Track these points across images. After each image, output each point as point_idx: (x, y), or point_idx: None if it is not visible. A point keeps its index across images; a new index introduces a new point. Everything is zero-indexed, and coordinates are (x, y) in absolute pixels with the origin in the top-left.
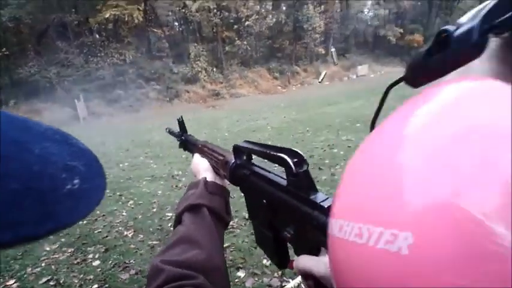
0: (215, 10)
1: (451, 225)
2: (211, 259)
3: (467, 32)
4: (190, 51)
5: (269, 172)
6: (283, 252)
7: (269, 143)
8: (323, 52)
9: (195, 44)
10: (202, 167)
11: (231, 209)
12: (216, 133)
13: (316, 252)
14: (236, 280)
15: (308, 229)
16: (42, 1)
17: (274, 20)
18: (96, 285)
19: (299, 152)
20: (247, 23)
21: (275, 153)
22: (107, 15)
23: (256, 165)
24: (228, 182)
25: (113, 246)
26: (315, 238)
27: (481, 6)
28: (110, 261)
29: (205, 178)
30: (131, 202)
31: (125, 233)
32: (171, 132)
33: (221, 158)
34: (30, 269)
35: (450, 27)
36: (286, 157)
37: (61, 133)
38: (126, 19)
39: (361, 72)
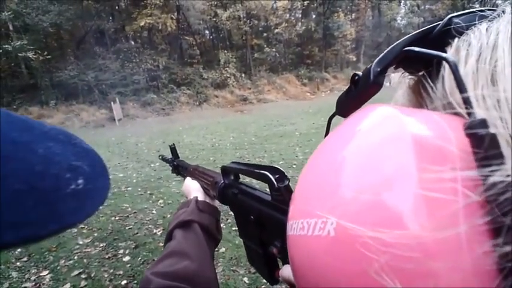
0: (245, 19)
1: (366, 210)
2: (202, 271)
3: (367, 74)
4: (220, 57)
5: (255, 189)
6: (273, 268)
7: (297, 149)
8: (354, 59)
9: (225, 51)
10: (193, 188)
11: (221, 227)
12: (243, 137)
13: None
14: (263, 286)
15: None
16: (81, 9)
17: (303, 27)
18: (125, 281)
19: (280, 168)
20: (276, 30)
21: (258, 171)
22: (142, 24)
23: (243, 184)
24: (219, 203)
25: (143, 243)
26: None
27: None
28: (139, 258)
29: (197, 197)
30: (161, 201)
31: (154, 230)
32: (163, 159)
33: (211, 179)
34: (63, 261)
35: (359, 72)
36: (268, 174)
37: (65, 133)
38: (160, 27)
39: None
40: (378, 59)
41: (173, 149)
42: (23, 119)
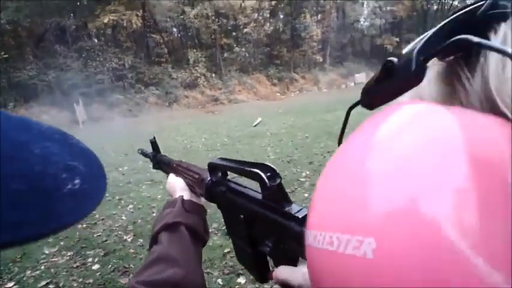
0: (213, 17)
1: (409, 230)
2: (190, 276)
3: (407, 63)
4: (189, 57)
5: (244, 187)
6: (263, 266)
7: (268, 149)
8: (321, 60)
9: (194, 50)
10: (178, 186)
11: (208, 227)
12: (215, 138)
13: (293, 263)
14: (237, 287)
15: (285, 240)
16: (40, 5)
17: (272, 27)
18: None
19: (272, 166)
20: (245, 30)
21: (249, 169)
22: (106, 20)
23: (231, 182)
24: (205, 200)
25: (113, 250)
26: (292, 248)
27: (421, 37)
28: (110, 266)
29: (182, 197)
30: (131, 206)
31: (125, 237)
32: (143, 153)
33: (197, 176)
34: (29, 271)
35: (394, 59)
36: (259, 172)
37: (61, 133)
38: (125, 24)
39: (358, 80)
40: (420, 45)
41: (154, 143)
42: (20, 119)
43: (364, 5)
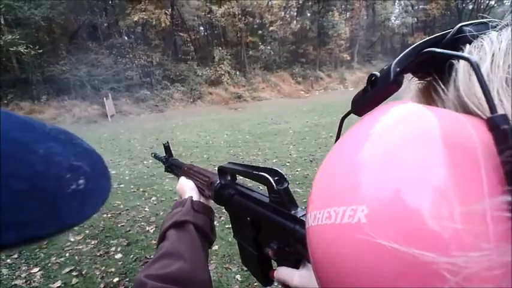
0: (240, 16)
1: (394, 198)
2: (196, 272)
3: (386, 73)
4: (215, 54)
5: (252, 191)
6: (267, 269)
7: (291, 147)
8: (348, 58)
9: (220, 48)
10: (188, 187)
11: (215, 228)
12: (237, 135)
13: (296, 265)
14: (255, 283)
15: (289, 243)
16: (74, 3)
17: (298, 26)
18: (117, 278)
19: (279, 170)
20: (271, 28)
21: (257, 173)
22: (136, 19)
23: (240, 185)
24: (213, 203)
25: (135, 241)
26: (297, 251)
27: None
28: (132, 255)
29: (191, 197)
30: (154, 198)
31: (147, 228)
32: (156, 157)
33: (206, 179)
34: (54, 258)
35: (377, 73)
36: (267, 176)
37: (65, 133)
38: (154, 23)
39: None
40: (397, 59)
41: (167, 147)
42: (23, 119)
43: (396, 3)
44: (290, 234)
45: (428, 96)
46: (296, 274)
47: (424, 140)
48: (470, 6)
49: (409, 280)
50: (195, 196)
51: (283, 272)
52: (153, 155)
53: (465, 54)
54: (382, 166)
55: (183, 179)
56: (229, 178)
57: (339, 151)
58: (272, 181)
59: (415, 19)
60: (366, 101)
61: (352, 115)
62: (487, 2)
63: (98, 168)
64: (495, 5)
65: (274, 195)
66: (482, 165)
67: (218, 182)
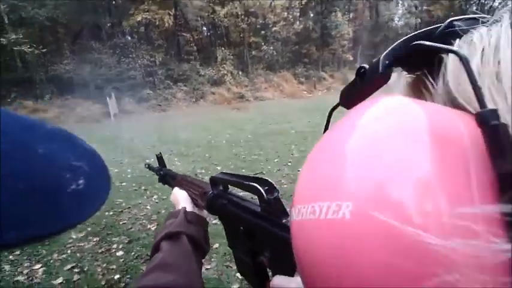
0: (243, 16)
1: (379, 193)
2: (190, 284)
3: (375, 66)
4: (217, 54)
5: (244, 200)
6: (263, 278)
7: (293, 147)
8: (351, 59)
9: (222, 48)
10: (181, 198)
11: (209, 239)
12: (239, 134)
13: (291, 273)
14: None
15: (282, 251)
16: (77, 4)
17: (301, 26)
18: (118, 275)
19: (270, 180)
20: (274, 28)
21: (247, 183)
22: (139, 19)
23: (232, 194)
24: (207, 213)
25: (136, 238)
26: (290, 259)
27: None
28: (133, 253)
29: (185, 208)
30: (155, 197)
31: (148, 226)
32: (150, 168)
33: (199, 189)
34: (56, 255)
35: (366, 65)
36: (258, 186)
37: (66, 133)
38: (157, 23)
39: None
40: (386, 52)
41: (160, 158)
42: (24, 119)
43: (399, 4)
44: (282, 243)
45: (418, 91)
46: (292, 282)
47: (411, 133)
48: (474, 8)
49: (394, 279)
50: (189, 207)
51: (278, 281)
52: (146, 165)
53: (454, 48)
54: (367, 160)
55: (176, 189)
56: (221, 188)
57: (325, 144)
58: (262, 191)
59: (419, 20)
60: (355, 94)
61: (343, 108)
62: (491, 3)
63: (97, 168)
64: (499, 6)
65: (265, 205)
66: (470, 160)
67: (211, 192)
